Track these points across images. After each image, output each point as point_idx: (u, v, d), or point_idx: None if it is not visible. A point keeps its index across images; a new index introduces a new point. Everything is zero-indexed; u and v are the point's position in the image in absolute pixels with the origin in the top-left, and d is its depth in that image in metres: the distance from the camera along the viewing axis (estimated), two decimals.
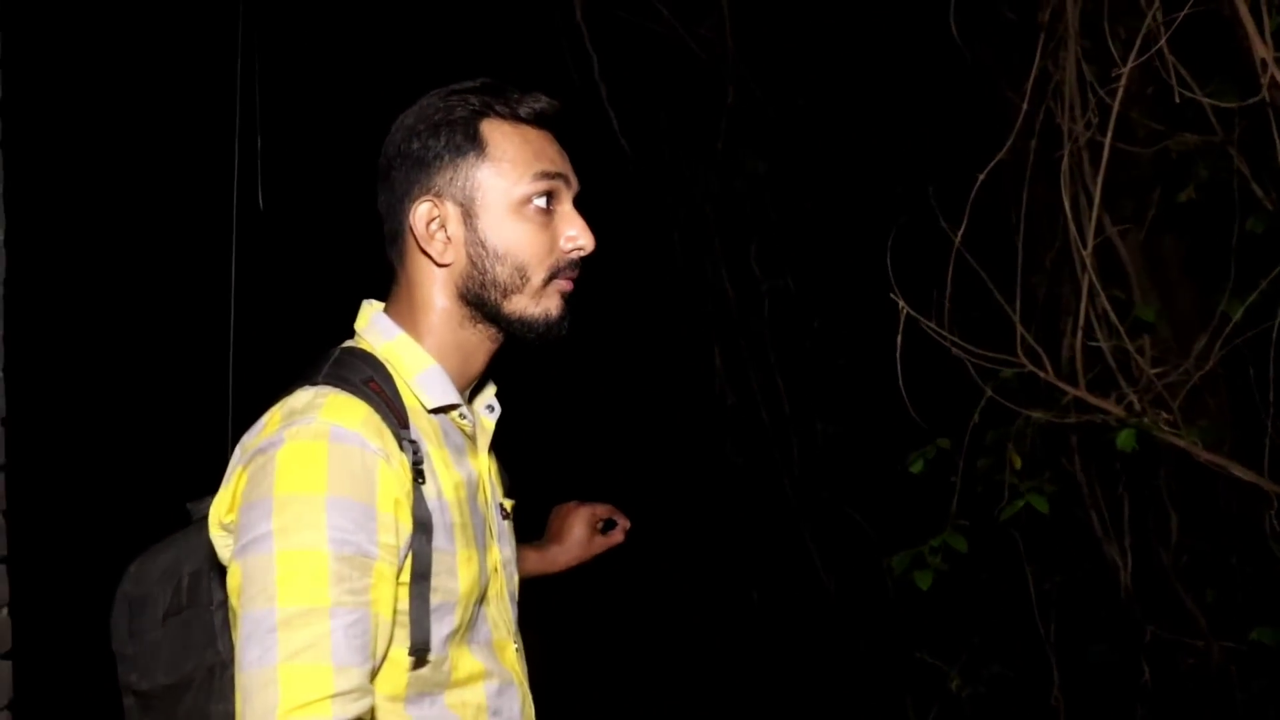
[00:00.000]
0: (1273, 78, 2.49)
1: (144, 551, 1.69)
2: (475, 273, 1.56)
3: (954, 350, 3.10)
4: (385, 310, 1.61)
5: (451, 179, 1.55)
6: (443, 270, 1.57)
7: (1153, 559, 3.61)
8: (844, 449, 5.46)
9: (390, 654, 1.44)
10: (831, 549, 5.45)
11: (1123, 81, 2.75)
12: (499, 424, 1.72)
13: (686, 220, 5.77)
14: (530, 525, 2.17)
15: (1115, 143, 2.88)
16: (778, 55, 5.09)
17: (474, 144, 1.55)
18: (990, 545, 3.63)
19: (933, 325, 3.06)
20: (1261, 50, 2.50)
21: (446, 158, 1.55)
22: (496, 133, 1.55)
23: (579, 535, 2.16)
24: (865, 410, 4.80)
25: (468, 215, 1.55)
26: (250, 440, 1.46)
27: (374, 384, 1.50)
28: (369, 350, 1.57)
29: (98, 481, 5.45)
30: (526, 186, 1.55)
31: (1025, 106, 3.03)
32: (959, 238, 3.11)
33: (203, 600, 1.56)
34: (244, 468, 1.44)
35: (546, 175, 1.56)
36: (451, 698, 1.51)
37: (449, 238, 1.56)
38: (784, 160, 5.44)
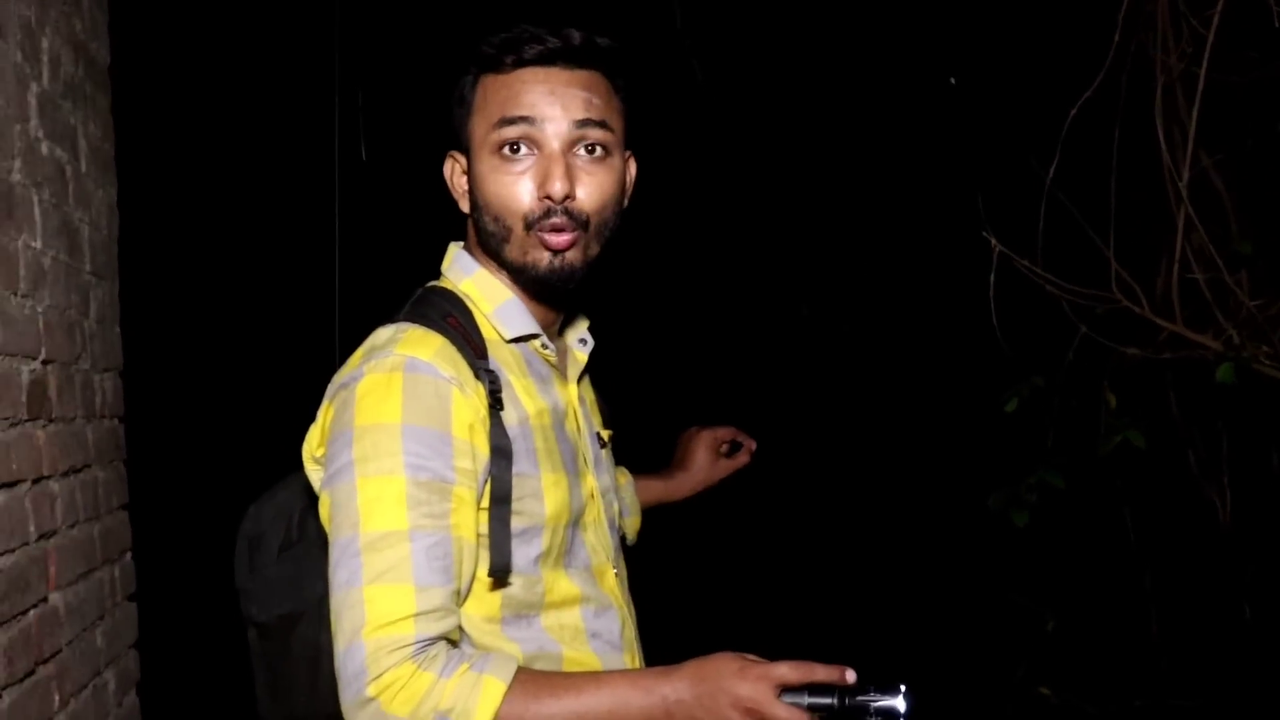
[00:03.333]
0: None
1: (264, 493, 1.76)
2: (477, 223, 1.62)
3: (1048, 288, 3.09)
4: (466, 248, 1.68)
5: (459, 134, 1.62)
6: (469, 220, 1.65)
7: (1252, 496, 3.57)
8: (937, 388, 5.44)
9: (478, 575, 1.50)
10: (927, 489, 5.45)
11: (1218, 8, 2.70)
12: (595, 356, 1.78)
13: (774, 158, 5.78)
14: (655, 457, 2.22)
15: (1210, 74, 2.84)
16: None
17: (471, 98, 1.60)
18: (1086, 486, 3.61)
19: (1026, 263, 3.04)
20: None
21: (457, 114, 1.62)
22: (485, 85, 1.59)
23: (702, 460, 2.20)
24: (959, 350, 4.78)
25: (466, 168, 1.62)
26: (337, 378, 1.54)
27: (452, 319, 1.56)
28: (450, 288, 1.65)
29: (209, 429, 5.62)
30: (493, 133, 1.56)
31: (1117, 39, 2.99)
32: (1050, 174, 3.09)
33: (311, 534, 1.62)
34: (329, 403, 1.52)
35: (508, 120, 1.55)
36: (548, 619, 1.56)
37: (464, 190, 1.64)
38: (873, 96, 5.42)
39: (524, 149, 1.55)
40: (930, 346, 5.54)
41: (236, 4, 5.14)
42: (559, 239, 1.55)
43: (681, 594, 5.16)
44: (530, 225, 1.56)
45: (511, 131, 1.55)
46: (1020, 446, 3.48)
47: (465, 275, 1.65)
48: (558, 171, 1.53)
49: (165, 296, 5.13)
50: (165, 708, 3.48)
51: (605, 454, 1.79)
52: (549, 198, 1.54)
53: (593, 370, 1.81)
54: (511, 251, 1.58)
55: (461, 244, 1.70)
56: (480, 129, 1.58)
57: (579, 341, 1.76)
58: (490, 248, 1.61)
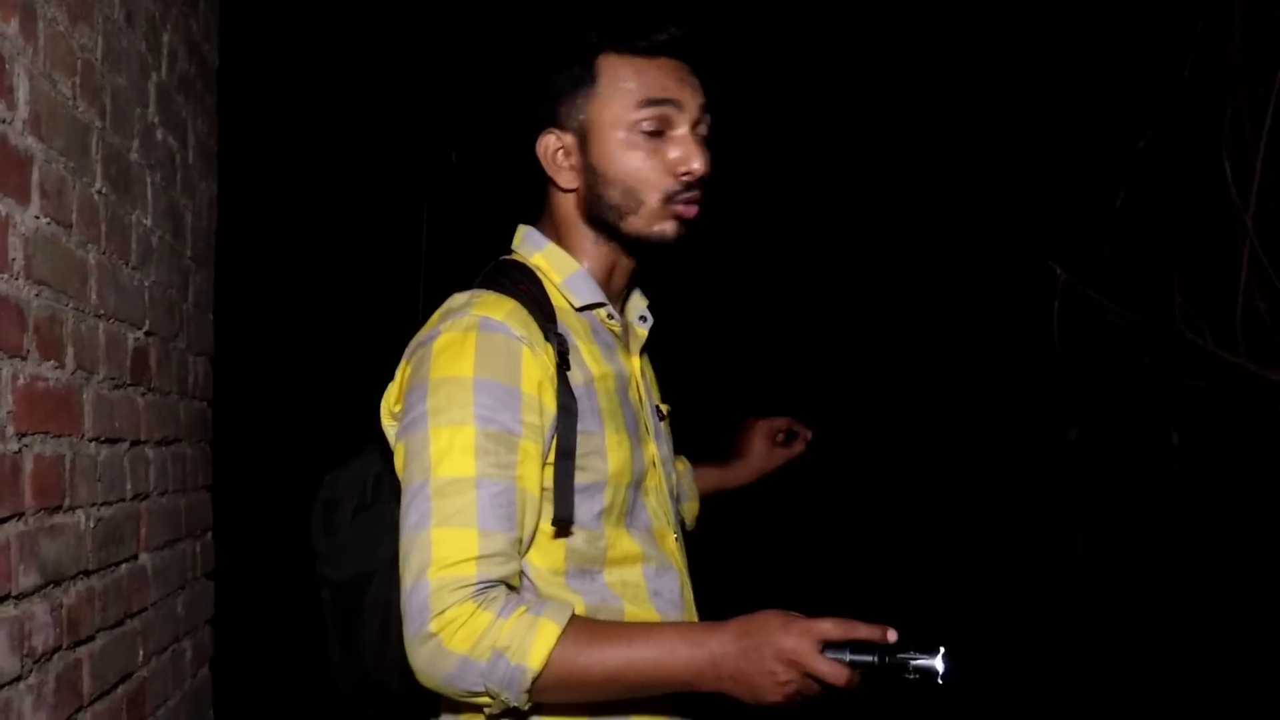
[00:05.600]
0: None
1: (340, 461, 1.85)
2: (593, 197, 1.72)
3: (1111, 317, 3.14)
4: (536, 227, 1.80)
5: (570, 111, 1.71)
6: (570, 195, 1.75)
7: None
8: (998, 409, 5.47)
9: (542, 527, 1.59)
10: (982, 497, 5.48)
11: None
12: (653, 335, 1.88)
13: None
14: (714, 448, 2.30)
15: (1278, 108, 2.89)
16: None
17: (590, 77, 1.70)
18: (1148, 514, 3.63)
19: (1091, 291, 3.10)
20: None
21: (567, 90, 1.72)
22: (610, 66, 1.69)
23: (758, 449, 2.30)
24: (1023, 373, 4.81)
25: (584, 144, 1.71)
26: (415, 338, 1.66)
27: (524, 286, 1.68)
28: (522, 260, 1.76)
29: (289, 423, 5.78)
30: (633, 113, 1.68)
31: (1187, 73, 3.05)
32: (1117, 204, 3.15)
33: (385, 497, 1.71)
34: (408, 360, 1.64)
35: (653, 102, 1.67)
36: (610, 576, 1.65)
37: (571, 166, 1.73)
38: (941, 120, 5.52)
39: (661, 129, 1.68)
40: (993, 367, 5.58)
41: (335, 16, 5.31)
42: (694, 210, 1.70)
43: (740, 581, 5.21)
44: (669, 199, 1.68)
45: (655, 112, 1.67)
46: (1081, 473, 3.52)
47: (536, 250, 1.77)
48: (700, 151, 1.68)
49: (257, 284, 5.29)
50: (232, 688, 3.58)
51: (664, 427, 1.89)
52: (689, 173, 1.67)
53: (650, 352, 1.91)
54: (636, 223, 1.70)
55: (530, 226, 1.81)
56: (613, 107, 1.68)
57: (639, 318, 1.87)
58: (605, 219, 1.72)
